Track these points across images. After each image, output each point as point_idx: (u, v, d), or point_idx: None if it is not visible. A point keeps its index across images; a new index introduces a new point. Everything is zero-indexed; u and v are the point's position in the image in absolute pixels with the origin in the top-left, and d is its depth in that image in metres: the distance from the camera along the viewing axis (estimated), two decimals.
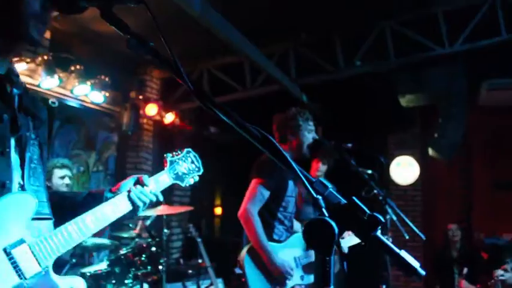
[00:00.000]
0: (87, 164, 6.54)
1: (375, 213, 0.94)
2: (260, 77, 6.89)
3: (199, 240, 5.70)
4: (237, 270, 3.37)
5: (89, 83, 5.71)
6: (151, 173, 6.64)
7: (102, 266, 4.53)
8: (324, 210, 0.96)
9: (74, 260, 4.22)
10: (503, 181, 7.70)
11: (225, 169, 8.61)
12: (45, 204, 1.64)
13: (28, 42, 1.52)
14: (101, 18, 1.31)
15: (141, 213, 1.98)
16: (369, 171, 4.21)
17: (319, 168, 5.44)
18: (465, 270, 6.02)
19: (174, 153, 2.16)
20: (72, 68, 5.54)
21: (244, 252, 3.32)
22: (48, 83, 5.16)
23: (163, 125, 7.36)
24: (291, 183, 3.57)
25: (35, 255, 1.49)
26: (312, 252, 3.38)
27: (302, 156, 3.61)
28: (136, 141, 7.16)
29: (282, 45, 6.76)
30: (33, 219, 1.53)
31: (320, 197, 0.98)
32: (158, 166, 7.76)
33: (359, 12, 5.94)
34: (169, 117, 7.27)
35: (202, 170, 2.21)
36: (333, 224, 0.92)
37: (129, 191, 1.87)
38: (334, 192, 1.00)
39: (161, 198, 1.96)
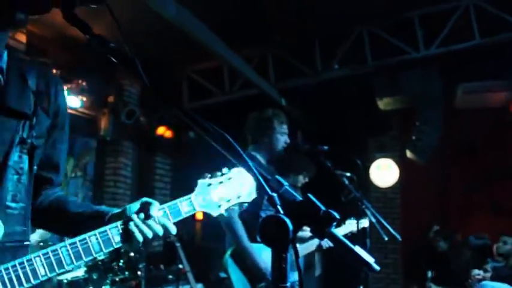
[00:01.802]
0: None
1: (329, 210, 0.95)
2: (239, 81, 6.91)
3: (178, 245, 5.66)
4: (222, 275, 3.31)
5: (65, 87, 5.65)
6: (130, 178, 6.57)
7: (79, 272, 4.48)
8: (279, 207, 0.97)
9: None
10: (476, 183, 7.83)
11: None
12: (26, 227, 1.42)
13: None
14: None
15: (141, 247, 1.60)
16: (348, 174, 4.22)
17: (298, 180, 5.34)
18: (430, 274, 6.07)
19: (215, 174, 1.73)
20: None
21: (227, 257, 3.27)
22: None
23: (143, 130, 7.33)
24: None
25: None
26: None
27: (274, 158, 3.62)
28: (115, 146, 7.11)
29: (260, 50, 6.80)
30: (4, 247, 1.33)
31: (275, 195, 1.00)
32: (138, 171, 7.70)
33: (337, 15, 6.00)
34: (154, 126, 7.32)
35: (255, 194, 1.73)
36: (288, 221, 0.93)
37: (126, 221, 1.48)
38: (290, 190, 1.01)
39: (173, 232, 1.54)
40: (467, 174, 7.99)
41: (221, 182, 1.70)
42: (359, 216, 4.11)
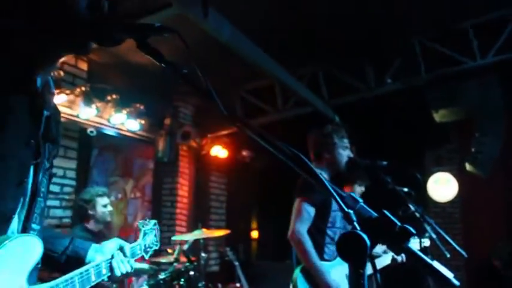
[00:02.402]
0: (124, 191, 6.69)
1: (405, 225, 0.96)
2: (291, 99, 6.95)
3: (236, 264, 5.72)
4: None
5: (124, 111, 5.89)
6: (187, 198, 6.69)
7: None
8: (355, 224, 0.98)
9: (114, 287, 4.27)
10: None
11: (260, 192, 8.63)
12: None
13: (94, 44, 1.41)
14: (135, 49, 1.37)
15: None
16: (405, 189, 4.14)
17: (354, 191, 5.30)
18: None
19: (144, 222, 2.18)
20: (109, 98, 5.72)
21: (297, 273, 3.22)
22: (86, 113, 5.36)
23: (198, 150, 7.50)
24: None
25: None
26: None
27: (338, 173, 3.60)
28: (171, 167, 7.29)
29: (312, 67, 6.82)
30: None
31: (351, 211, 1.01)
32: (194, 191, 7.84)
33: (389, 29, 5.94)
34: (208, 146, 7.50)
35: (159, 245, 2.21)
36: (365, 237, 0.94)
37: (112, 257, 1.82)
38: (365, 206, 1.02)
39: (133, 269, 1.92)
40: None
41: (150, 231, 2.16)
42: (418, 231, 4.02)
